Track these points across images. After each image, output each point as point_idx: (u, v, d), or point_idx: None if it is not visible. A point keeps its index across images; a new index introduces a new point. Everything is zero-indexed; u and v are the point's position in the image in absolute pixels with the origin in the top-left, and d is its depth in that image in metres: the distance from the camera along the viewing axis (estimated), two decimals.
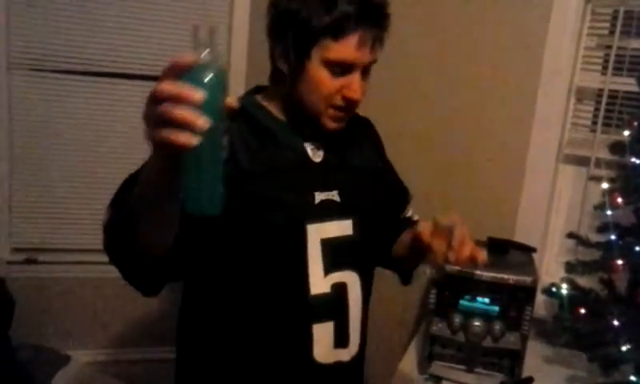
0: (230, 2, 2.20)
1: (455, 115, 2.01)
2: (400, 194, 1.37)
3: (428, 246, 1.08)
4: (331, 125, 1.07)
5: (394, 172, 1.37)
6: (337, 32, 0.97)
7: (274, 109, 1.10)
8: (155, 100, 0.65)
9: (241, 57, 2.23)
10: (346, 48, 0.98)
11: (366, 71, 1.05)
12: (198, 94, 0.63)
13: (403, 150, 1.96)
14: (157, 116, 0.64)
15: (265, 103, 1.11)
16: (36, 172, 2.23)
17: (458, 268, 1.56)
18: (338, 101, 1.03)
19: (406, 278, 1.36)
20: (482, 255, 1.05)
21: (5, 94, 2.13)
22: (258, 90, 1.16)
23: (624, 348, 1.49)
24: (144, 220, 0.82)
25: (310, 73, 1.01)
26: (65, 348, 2.23)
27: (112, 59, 2.20)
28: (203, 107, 0.64)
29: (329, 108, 1.04)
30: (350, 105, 1.04)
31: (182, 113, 0.62)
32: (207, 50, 0.69)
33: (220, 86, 0.68)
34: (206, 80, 0.66)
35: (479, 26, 1.94)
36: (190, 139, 0.62)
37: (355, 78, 1.02)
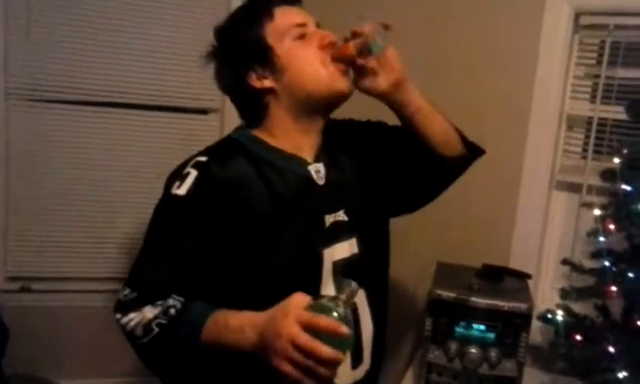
0: None
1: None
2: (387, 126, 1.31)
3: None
4: (343, 83, 1.07)
5: (379, 123, 1.31)
6: (269, 10, 1.07)
7: (270, 139, 1.10)
8: (292, 343, 0.83)
9: None
10: (284, 16, 1.07)
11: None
12: (338, 357, 0.83)
13: None
14: (293, 360, 0.83)
15: (259, 135, 1.12)
16: (31, 201, 2.23)
17: (453, 295, 1.59)
18: (326, 56, 1.06)
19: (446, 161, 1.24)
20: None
21: (2, 123, 2.14)
22: (244, 127, 1.15)
23: (620, 375, 1.49)
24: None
25: (285, 57, 1.05)
26: (58, 377, 2.21)
27: (109, 89, 2.22)
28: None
29: (328, 66, 1.06)
30: (337, 48, 1.07)
31: (323, 372, 0.83)
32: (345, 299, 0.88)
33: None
34: (345, 342, 0.85)
35: (468, 58, 1.98)
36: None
37: (316, 30, 1.09)
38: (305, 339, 0.83)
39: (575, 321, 1.66)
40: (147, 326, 0.99)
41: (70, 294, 2.28)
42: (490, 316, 1.58)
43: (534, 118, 1.91)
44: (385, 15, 1.07)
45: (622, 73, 1.85)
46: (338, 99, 1.09)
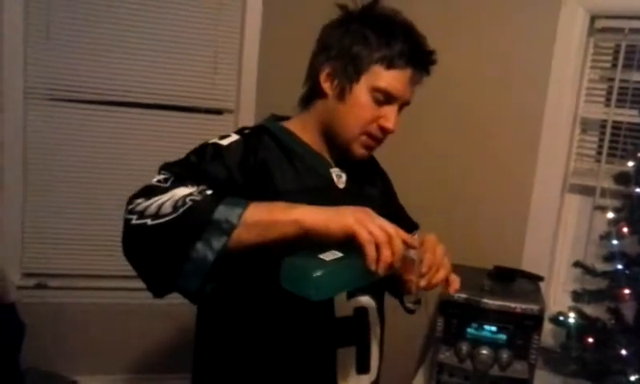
0: (240, 41, 2.28)
1: (461, 147, 2.04)
2: (407, 224, 1.38)
3: (399, 277, 1.09)
4: (360, 151, 1.10)
5: (401, 205, 1.39)
6: (390, 63, 1.05)
7: (300, 133, 1.13)
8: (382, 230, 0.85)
9: (250, 91, 2.28)
10: (395, 80, 1.05)
11: (400, 110, 1.10)
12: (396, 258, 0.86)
13: (409, 181, 1.99)
14: (373, 230, 0.84)
15: (290, 127, 1.15)
16: (48, 198, 2.27)
17: (465, 296, 1.59)
18: (374, 129, 1.08)
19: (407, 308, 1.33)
20: (456, 282, 1.05)
21: (20, 123, 2.19)
22: (276, 117, 1.19)
23: (632, 378, 1.49)
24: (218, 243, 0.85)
25: (354, 95, 1.06)
26: (73, 374, 2.24)
27: (125, 89, 2.26)
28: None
29: (363, 134, 1.08)
30: (383, 134, 1.09)
31: (399, 250, 0.85)
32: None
33: None
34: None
35: (484, 61, 1.99)
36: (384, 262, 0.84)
37: (394, 109, 1.08)
38: (390, 226, 0.86)
39: (587, 323, 1.66)
40: (177, 202, 0.87)
41: (86, 290, 2.31)
42: (501, 317, 1.58)
43: (548, 121, 1.91)
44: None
45: (636, 76, 1.84)
46: (350, 156, 1.12)
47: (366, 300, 1.12)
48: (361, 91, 1.06)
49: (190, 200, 0.87)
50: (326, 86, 1.08)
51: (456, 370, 1.63)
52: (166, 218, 0.86)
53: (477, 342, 1.60)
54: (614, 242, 1.60)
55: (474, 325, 1.60)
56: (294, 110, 1.17)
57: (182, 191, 0.91)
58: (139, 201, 0.91)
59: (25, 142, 2.21)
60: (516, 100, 1.96)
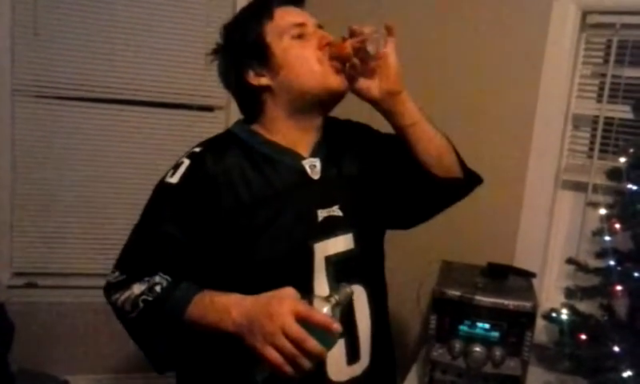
0: None
1: (453, 143, 2.03)
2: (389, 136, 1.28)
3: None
4: (337, 81, 1.07)
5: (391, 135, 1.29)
6: (270, 14, 1.09)
7: (266, 133, 1.12)
8: (282, 330, 0.86)
9: None
10: (285, 15, 1.09)
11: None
12: (322, 353, 0.88)
13: None
14: (279, 346, 0.87)
15: (256, 129, 1.13)
16: (37, 197, 2.25)
17: (458, 293, 1.59)
18: (322, 55, 1.07)
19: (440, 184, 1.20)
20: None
21: (8, 120, 2.16)
22: (245, 120, 1.17)
23: (625, 374, 1.49)
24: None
25: (282, 55, 1.07)
26: (64, 373, 2.22)
27: (115, 86, 2.24)
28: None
29: (323, 64, 1.07)
30: (333, 49, 1.07)
31: (306, 364, 0.87)
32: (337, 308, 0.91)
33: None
34: (331, 340, 0.89)
35: (475, 56, 1.98)
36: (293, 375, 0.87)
37: (316, 31, 1.10)
38: (296, 329, 0.86)
39: (580, 320, 1.65)
40: (134, 301, 1.02)
41: (76, 290, 2.29)
42: (494, 314, 1.58)
43: (540, 117, 1.90)
44: (388, 15, 1.07)
45: (628, 72, 1.84)
46: (332, 96, 1.09)
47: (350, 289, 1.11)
48: (281, 47, 1.07)
49: (142, 301, 1.02)
50: (261, 80, 1.08)
51: (449, 368, 1.63)
52: (130, 315, 1.04)
53: (470, 339, 1.59)
54: (607, 238, 1.60)
55: (467, 322, 1.60)
56: None
57: (136, 290, 1.04)
58: (108, 297, 1.09)
59: (13, 140, 2.18)
60: (508, 96, 1.95)
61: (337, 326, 0.87)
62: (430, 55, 2.01)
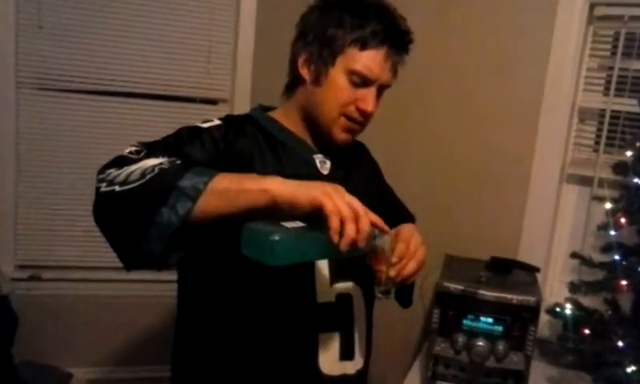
0: (234, 29, 2.25)
1: (458, 137, 2.03)
2: (402, 216, 1.35)
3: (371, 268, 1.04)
4: (341, 135, 1.09)
5: (396, 196, 1.38)
6: (364, 44, 1.04)
7: (284, 122, 1.13)
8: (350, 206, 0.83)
9: (245, 80, 2.26)
10: (369, 61, 1.04)
11: (380, 92, 1.09)
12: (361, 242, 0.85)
13: (406, 170, 1.99)
14: (340, 202, 0.82)
15: (275, 116, 1.15)
16: (41, 189, 2.24)
17: (462, 287, 1.58)
18: (352, 111, 1.07)
19: (403, 301, 1.30)
20: (408, 268, 0.99)
21: (12, 112, 2.16)
22: (263, 107, 1.19)
23: (629, 369, 1.48)
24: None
25: (331, 78, 1.06)
26: (68, 366, 2.23)
27: (118, 79, 2.23)
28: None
29: (342, 117, 1.07)
30: (362, 117, 1.08)
31: (364, 228, 0.84)
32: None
33: None
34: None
35: (481, 49, 1.97)
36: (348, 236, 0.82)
37: (372, 92, 1.07)
38: (358, 202, 0.85)
39: (584, 315, 1.65)
40: (147, 170, 0.87)
41: (80, 282, 2.29)
42: (498, 309, 1.57)
43: (546, 110, 1.89)
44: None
45: (636, 65, 1.82)
46: (331, 141, 1.11)
47: (349, 286, 1.11)
48: (337, 74, 1.05)
49: (159, 168, 0.88)
50: (304, 71, 1.08)
51: (452, 362, 1.62)
52: (134, 185, 0.86)
53: (473, 334, 1.58)
54: (612, 232, 1.59)
55: (471, 316, 1.59)
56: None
57: (152, 161, 0.91)
58: (110, 170, 0.92)
59: (17, 133, 2.18)
60: (514, 89, 1.94)
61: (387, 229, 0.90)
62: (436, 47, 1.99)
